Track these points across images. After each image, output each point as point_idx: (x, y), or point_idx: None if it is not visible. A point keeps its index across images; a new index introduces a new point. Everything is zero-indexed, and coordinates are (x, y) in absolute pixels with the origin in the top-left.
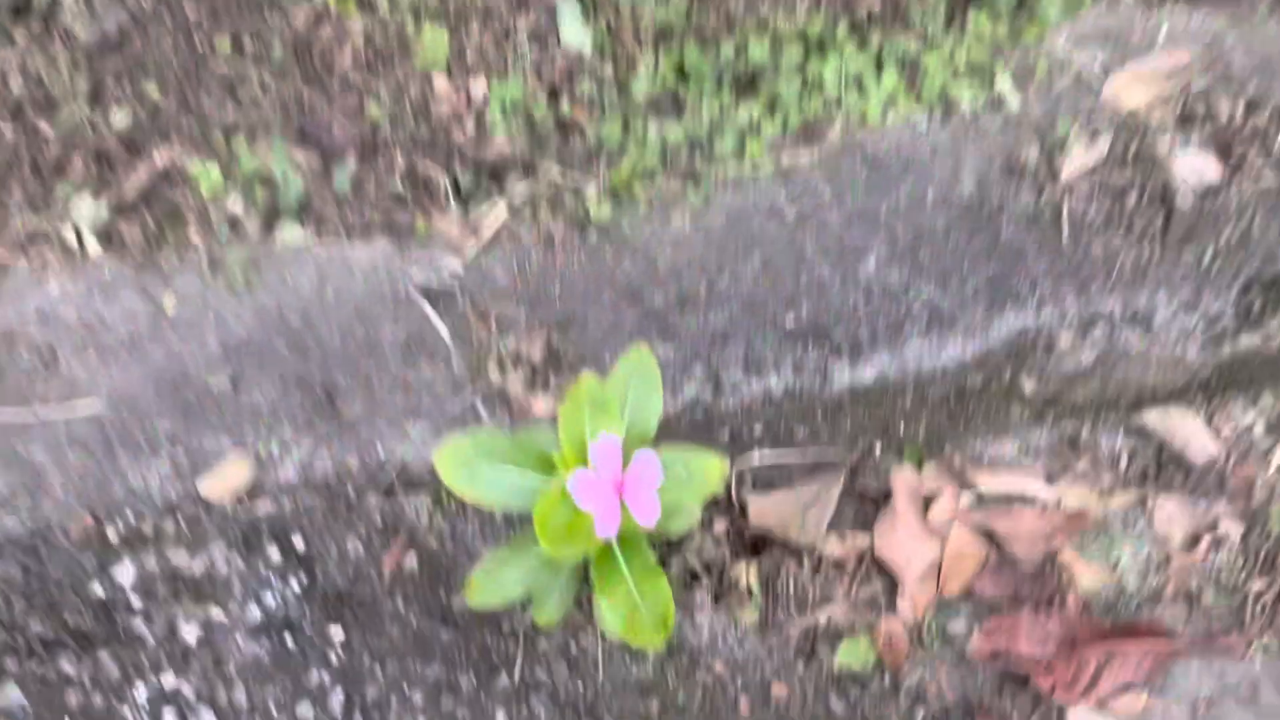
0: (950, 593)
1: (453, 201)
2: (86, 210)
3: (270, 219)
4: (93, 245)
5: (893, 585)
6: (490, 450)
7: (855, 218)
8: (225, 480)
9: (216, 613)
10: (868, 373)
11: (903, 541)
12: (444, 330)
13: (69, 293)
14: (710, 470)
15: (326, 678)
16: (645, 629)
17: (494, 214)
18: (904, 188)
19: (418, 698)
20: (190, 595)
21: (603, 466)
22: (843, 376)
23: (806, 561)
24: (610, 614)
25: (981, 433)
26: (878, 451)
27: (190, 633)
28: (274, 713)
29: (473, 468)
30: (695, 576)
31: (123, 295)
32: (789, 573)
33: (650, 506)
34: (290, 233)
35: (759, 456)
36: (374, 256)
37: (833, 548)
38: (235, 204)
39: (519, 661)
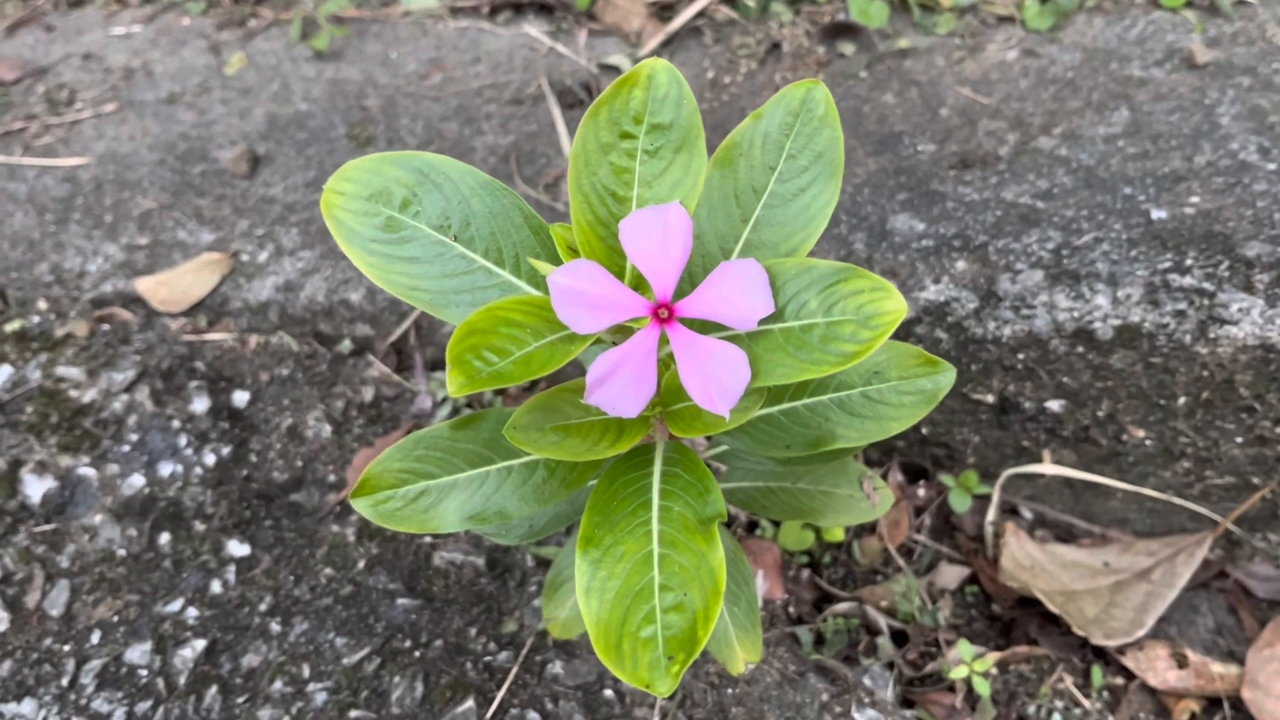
0: None
1: None
2: None
3: None
4: None
5: None
6: (435, 179)
7: None
8: (180, 285)
9: (84, 467)
10: None
11: None
12: (567, 141)
13: (132, 36)
14: (909, 356)
15: (193, 614)
16: (644, 645)
17: None
18: None
19: (318, 693)
20: (60, 430)
21: (643, 262)
22: (1245, 325)
23: (1099, 677)
24: (588, 592)
25: None
26: None
27: (35, 486)
28: (92, 640)
29: (383, 208)
30: (873, 636)
31: (188, 47)
32: (1057, 689)
33: (727, 371)
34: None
35: (1050, 462)
36: (513, 40)
37: (1157, 668)
38: None
39: (506, 685)
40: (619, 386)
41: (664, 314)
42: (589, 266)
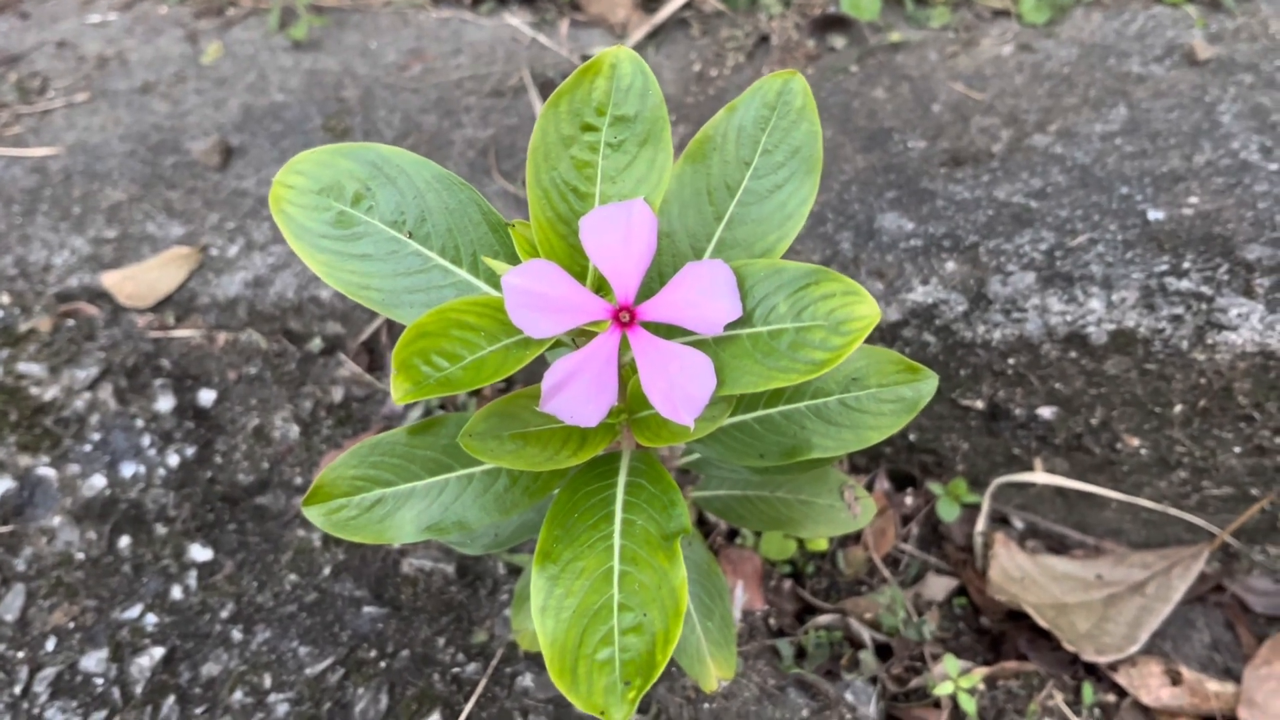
0: None
1: None
2: None
3: None
4: None
5: None
6: (385, 168)
7: None
8: (147, 280)
9: (44, 467)
10: None
11: None
12: None
13: (108, 24)
14: (884, 358)
15: (152, 620)
16: (600, 669)
17: None
18: None
19: (279, 704)
20: (20, 429)
21: (604, 262)
22: (1244, 331)
23: (1090, 694)
24: (543, 611)
25: None
26: None
27: None
28: (47, 647)
29: (334, 202)
30: (857, 650)
31: (165, 36)
32: (1046, 707)
33: (692, 378)
34: None
35: (1041, 471)
36: (496, 30)
37: (1151, 686)
38: None
39: (474, 697)
40: (577, 394)
41: (625, 317)
42: (545, 266)
